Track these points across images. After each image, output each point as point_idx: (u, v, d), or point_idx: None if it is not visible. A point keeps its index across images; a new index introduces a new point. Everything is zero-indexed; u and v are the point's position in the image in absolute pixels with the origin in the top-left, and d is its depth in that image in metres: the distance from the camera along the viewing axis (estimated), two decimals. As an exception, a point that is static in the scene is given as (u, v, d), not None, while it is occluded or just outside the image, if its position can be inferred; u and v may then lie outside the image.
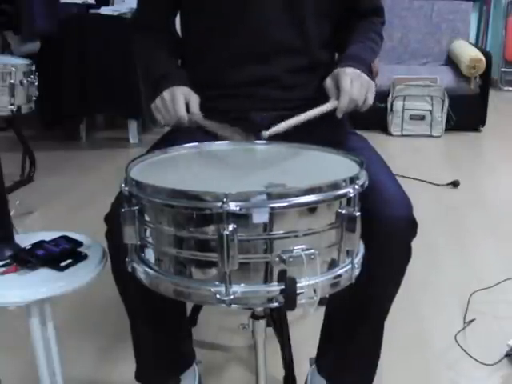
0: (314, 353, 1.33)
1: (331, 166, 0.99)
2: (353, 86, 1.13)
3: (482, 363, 1.59)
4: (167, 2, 1.34)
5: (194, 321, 1.67)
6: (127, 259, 0.91)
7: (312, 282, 0.82)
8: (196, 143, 1.11)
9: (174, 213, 0.82)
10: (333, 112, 1.14)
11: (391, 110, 4.15)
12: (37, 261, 1.16)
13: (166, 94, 1.20)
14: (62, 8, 3.63)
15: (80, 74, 3.64)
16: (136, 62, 3.42)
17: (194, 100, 1.20)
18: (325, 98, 1.18)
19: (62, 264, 1.16)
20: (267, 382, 1.07)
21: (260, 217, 0.78)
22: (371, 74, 1.23)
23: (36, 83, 2.29)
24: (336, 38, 1.33)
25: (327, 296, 1.16)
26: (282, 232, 0.80)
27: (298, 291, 0.80)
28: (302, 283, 0.81)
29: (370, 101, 1.16)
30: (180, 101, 1.18)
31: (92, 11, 3.95)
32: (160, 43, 1.34)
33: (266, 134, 1.05)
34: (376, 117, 4.02)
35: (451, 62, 4.48)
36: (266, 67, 1.26)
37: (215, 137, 1.19)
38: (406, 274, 1.15)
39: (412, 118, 4.14)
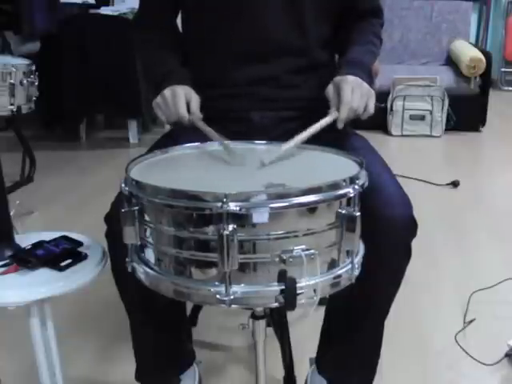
0: (314, 353, 1.33)
1: (331, 166, 0.99)
2: (353, 96, 1.13)
3: (482, 363, 1.58)
4: (169, 1, 1.34)
5: (193, 321, 1.67)
6: (127, 259, 0.91)
7: (312, 282, 0.82)
8: (196, 143, 1.12)
9: (173, 213, 0.82)
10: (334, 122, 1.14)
11: (391, 109, 4.15)
12: (37, 261, 1.16)
13: (167, 91, 1.20)
14: (62, 8, 3.64)
15: (80, 73, 3.65)
16: (138, 61, 3.43)
17: (195, 100, 1.20)
18: (324, 100, 1.18)
19: (62, 264, 1.16)
20: (267, 382, 1.07)
21: (260, 217, 0.78)
22: (371, 77, 1.23)
23: (36, 83, 2.28)
24: (335, 38, 1.33)
25: (327, 296, 1.16)
26: (281, 232, 0.80)
27: (298, 291, 0.80)
28: (302, 283, 0.81)
29: (371, 110, 1.16)
30: (181, 99, 1.18)
31: (92, 11, 3.96)
32: (162, 42, 1.34)
33: (266, 161, 0.99)
34: (376, 117, 3.98)
35: (451, 61, 4.49)
36: (266, 67, 1.26)
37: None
38: (405, 274, 1.15)
39: (412, 117, 4.14)
